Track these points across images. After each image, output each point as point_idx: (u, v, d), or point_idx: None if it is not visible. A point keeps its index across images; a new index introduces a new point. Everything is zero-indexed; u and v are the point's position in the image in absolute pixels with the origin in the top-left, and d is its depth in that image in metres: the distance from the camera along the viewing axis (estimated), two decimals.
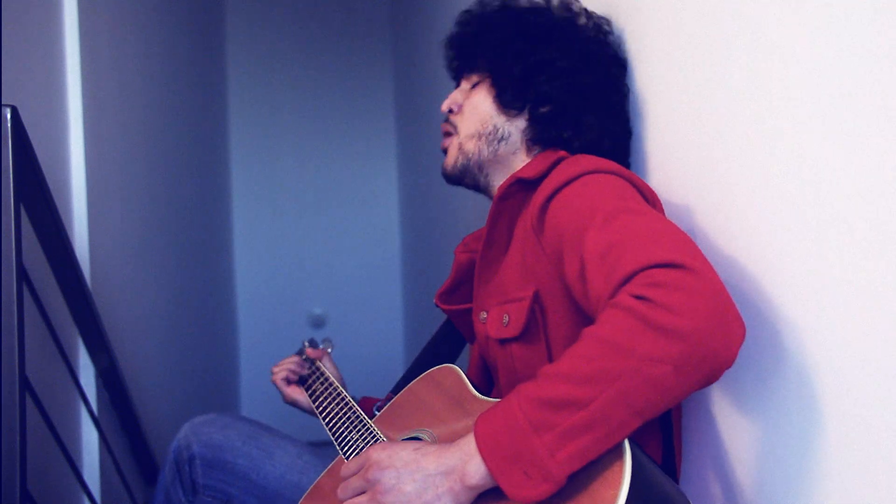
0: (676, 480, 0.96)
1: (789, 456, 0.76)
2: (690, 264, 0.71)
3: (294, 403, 1.32)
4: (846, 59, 0.66)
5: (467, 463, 0.74)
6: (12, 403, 1.08)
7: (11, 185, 1.12)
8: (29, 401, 1.18)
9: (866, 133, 0.64)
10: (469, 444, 0.75)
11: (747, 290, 0.81)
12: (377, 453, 0.80)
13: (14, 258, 1.11)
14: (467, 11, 1.16)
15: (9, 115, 1.13)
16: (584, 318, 0.90)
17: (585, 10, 1.13)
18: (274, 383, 1.34)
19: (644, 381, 0.67)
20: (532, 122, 1.07)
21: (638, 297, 0.70)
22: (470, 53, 1.14)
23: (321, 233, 3.85)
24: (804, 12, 0.71)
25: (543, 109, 1.06)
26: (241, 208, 3.81)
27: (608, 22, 1.13)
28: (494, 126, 1.09)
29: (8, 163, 1.12)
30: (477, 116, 1.10)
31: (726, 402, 0.88)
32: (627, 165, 1.11)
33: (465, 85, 1.15)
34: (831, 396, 0.69)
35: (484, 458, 0.72)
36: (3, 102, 1.18)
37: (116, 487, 1.74)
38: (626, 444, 0.71)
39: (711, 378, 0.70)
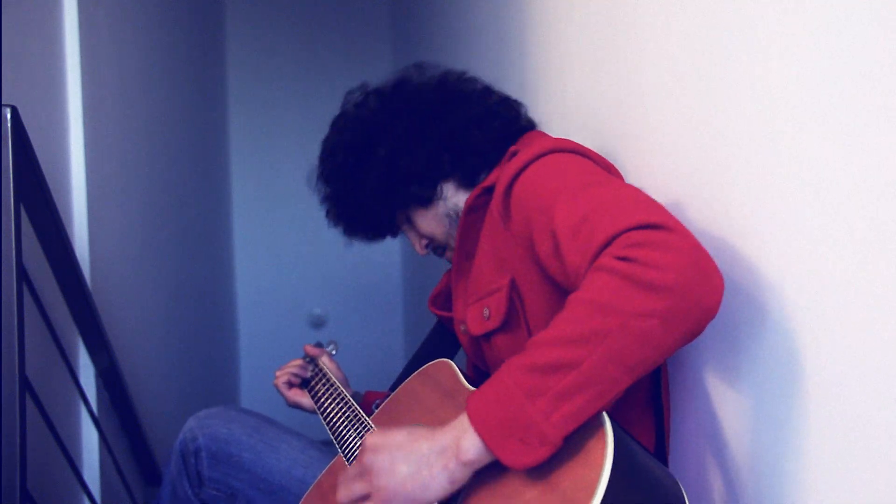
0: (666, 462, 0.96)
1: (781, 437, 0.76)
2: (666, 223, 0.72)
3: (297, 406, 1.33)
4: (846, 57, 0.66)
5: (461, 439, 0.73)
6: (12, 403, 1.08)
7: (11, 185, 1.12)
8: (29, 401, 1.18)
9: (866, 131, 0.64)
10: (462, 420, 0.75)
11: (742, 276, 0.81)
12: (371, 438, 0.80)
13: (14, 258, 1.11)
14: (326, 201, 1.21)
15: (9, 115, 1.13)
16: (561, 299, 0.90)
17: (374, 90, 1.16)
18: (276, 387, 1.35)
19: (633, 337, 0.68)
20: (451, 178, 1.09)
21: (620, 258, 0.71)
22: (377, 224, 1.19)
23: (321, 233, 3.83)
24: (803, 9, 0.71)
25: (444, 167, 1.08)
26: (241, 208, 3.81)
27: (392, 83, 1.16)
28: (447, 215, 1.11)
29: (8, 163, 1.12)
30: (435, 228, 1.13)
31: (720, 386, 0.88)
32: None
33: (405, 227, 1.18)
34: (823, 379, 0.70)
35: (478, 432, 0.72)
36: (3, 102, 1.18)
37: (116, 487, 1.74)
38: (608, 424, 0.71)
39: (697, 329, 0.71)
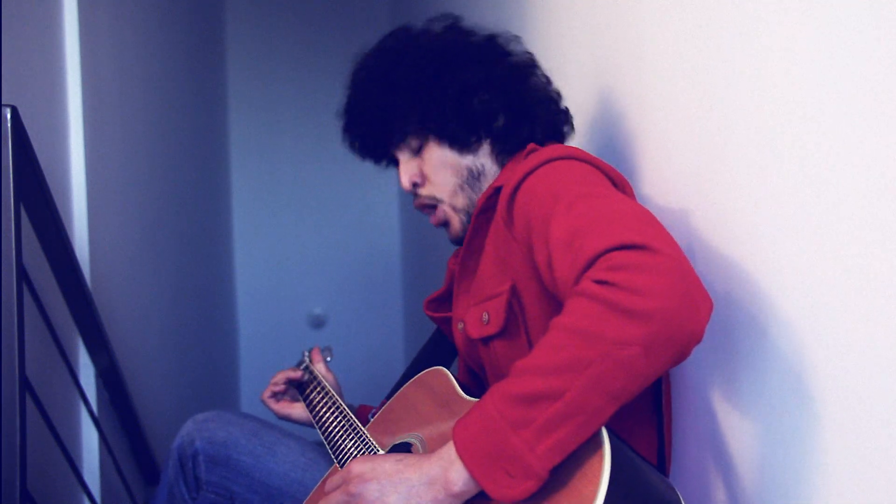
0: (666, 472, 0.95)
1: (784, 446, 0.76)
2: (650, 244, 0.70)
3: (287, 418, 1.32)
4: (847, 55, 0.66)
5: (448, 470, 0.73)
6: (12, 403, 1.08)
7: (11, 185, 1.12)
8: (29, 401, 1.18)
9: (866, 130, 0.64)
10: (449, 450, 0.74)
11: (743, 282, 0.81)
12: (359, 466, 0.80)
13: (14, 258, 1.11)
14: (355, 91, 1.10)
15: (9, 115, 1.13)
16: (559, 307, 0.89)
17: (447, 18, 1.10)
18: (263, 402, 1.34)
19: (615, 366, 0.67)
20: (494, 140, 1.06)
21: (600, 283, 0.69)
22: (387, 128, 1.08)
23: (321, 233, 3.85)
24: (804, 9, 0.71)
25: (498, 123, 1.05)
26: (241, 208, 3.81)
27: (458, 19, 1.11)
28: (468, 168, 1.06)
29: (8, 163, 1.12)
30: (448, 171, 1.06)
31: (721, 393, 0.88)
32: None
33: (405, 156, 1.09)
34: (826, 389, 0.70)
35: (465, 463, 0.72)
36: (3, 102, 1.18)
37: (116, 487, 1.74)
38: (605, 437, 0.71)
39: (681, 355, 0.70)
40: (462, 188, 1.06)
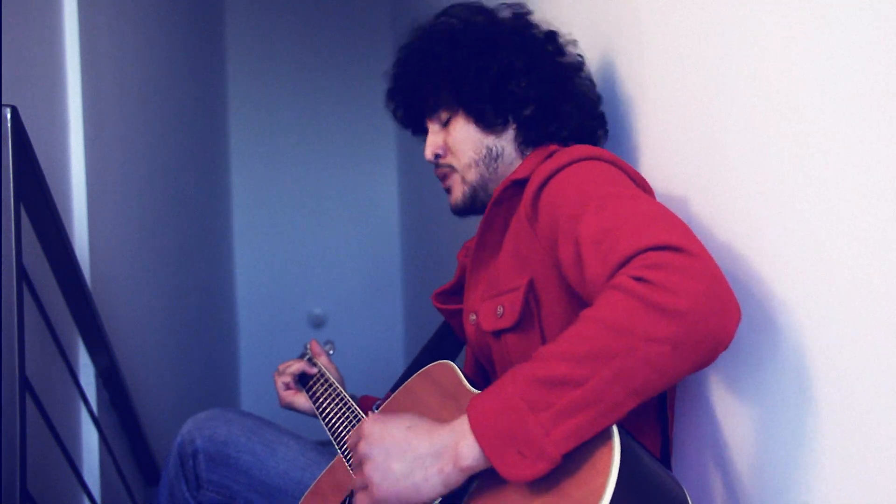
0: (670, 468, 0.96)
1: (785, 445, 0.76)
2: (687, 246, 0.71)
3: (290, 407, 1.32)
4: (847, 54, 0.66)
5: (459, 443, 0.73)
6: (12, 403, 1.08)
7: (11, 185, 1.12)
8: (29, 401, 1.18)
9: (867, 129, 0.64)
10: (462, 424, 0.74)
11: (745, 281, 0.81)
12: (370, 426, 0.80)
13: (14, 258, 1.11)
14: (401, 58, 1.13)
15: (9, 115, 1.13)
16: (578, 306, 0.89)
17: (505, 4, 1.11)
18: (274, 382, 1.34)
19: (642, 361, 0.68)
20: (520, 127, 1.07)
21: (636, 279, 0.70)
22: (423, 97, 1.11)
23: (321, 233, 3.85)
24: (806, 8, 0.71)
25: (527, 112, 1.06)
26: (241, 208, 3.81)
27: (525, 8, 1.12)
28: (488, 148, 1.07)
29: (8, 163, 1.12)
30: (469, 146, 1.08)
31: (723, 391, 0.88)
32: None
33: (434, 126, 1.12)
34: (827, 385, 0.70)
35: (477, 438, 0.72)
36: (3, 102, 1.18)
37: (116, 487, 1.74)
38: (616, 432, 0.71)
39: (708, 359, 0.70)
40: (477, 164, 1.08)
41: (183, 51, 2.81)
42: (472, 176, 1.08)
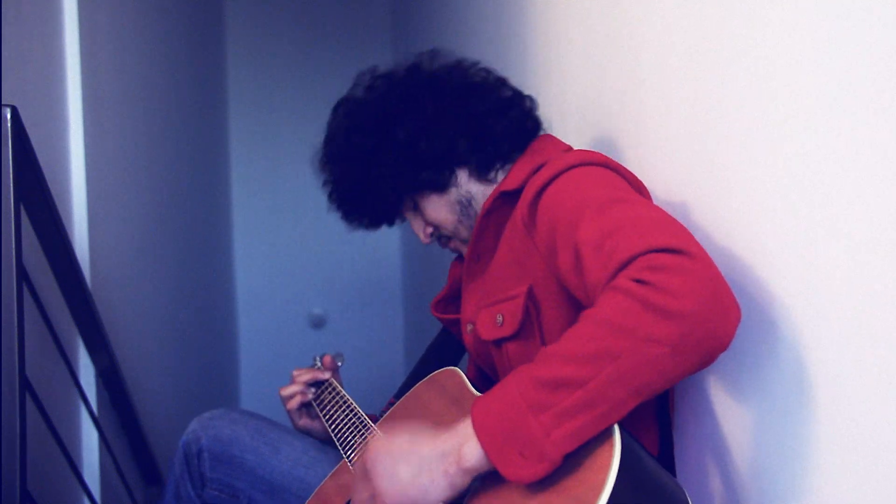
0: (673, 471, 0.96)
1: (785, 445, 0.76)
2: (687, 248, 0.72)
3: (306, 430, 1.28)
4: (847, 54, 0.66)
5: (463, 445, 0.74)
6: (12, 403, 1.08)
7: (11, 185, 1.12)
8: (29, 401, 1.18)
9: (865, 130, 0.64)
10: (465, 426, 0.75)
11: (744, 282, 0.81)
12: (374, 443, 0.81)
13: (14, 258, 1.11)
14: (330, 190, 1.16)
15: (9, 115, 1.13)
16: (577, 312, 0.90)
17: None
18: (287, 409, 1.28)
19: (642, 361, 0.68)
20: (469, 166, 1.08)
21: (637, 281, 0.70)
22: (376, 215, 1.16)
23: (321, 233, 3.85)
24: (805, 8, 0.71)
25: (461, 150, 1.06)
26: (241, 208, 3.81)
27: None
28: (458, 202, 1.09)
29: (8, 163, 1.12)
30: (444, 213, 1.10)
31: (722, 392, 0.88)
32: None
33: (409, 214, 1.15)
34: (826, 386, 0.70)
35: (480, 440, 0.72)
36: (3, 102, 1.18)
37: (116, 487, 1.74)
38: (616, 431, 0.71)
39: (708, 360, 0.71)
40: (461, 221, 1.10)
41: (183, 51, 2.81)
42: (464, 232, 1.11)
